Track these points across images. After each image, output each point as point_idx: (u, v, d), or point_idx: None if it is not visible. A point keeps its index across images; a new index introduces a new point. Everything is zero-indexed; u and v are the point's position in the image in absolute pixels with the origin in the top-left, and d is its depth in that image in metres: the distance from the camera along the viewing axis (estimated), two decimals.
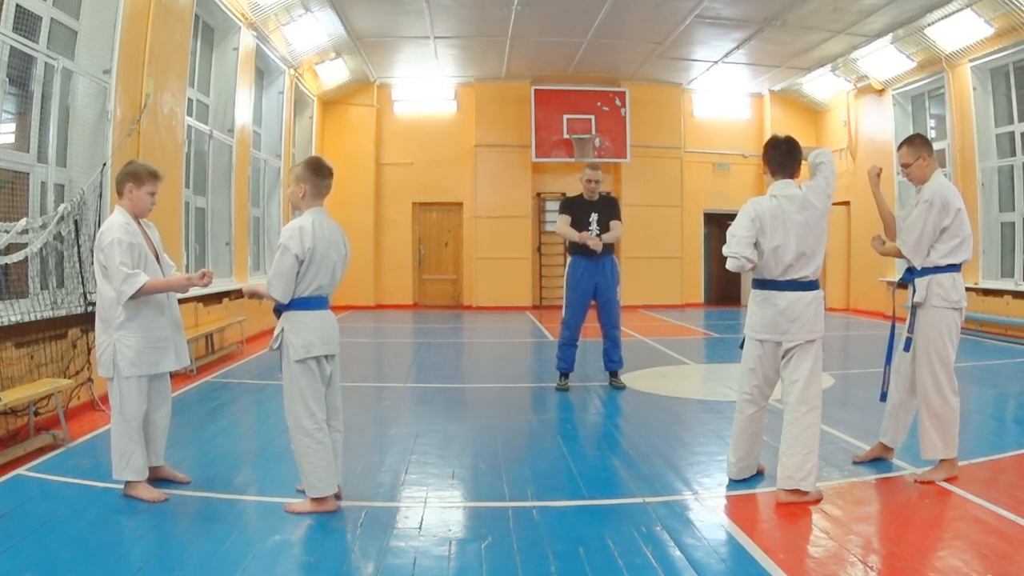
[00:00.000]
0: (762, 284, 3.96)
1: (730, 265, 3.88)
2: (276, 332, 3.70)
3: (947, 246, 4.08)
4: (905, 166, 4.26)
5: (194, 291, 4.22)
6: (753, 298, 4.02)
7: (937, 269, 4.11)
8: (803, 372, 3.84)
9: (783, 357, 3.93)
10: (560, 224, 6.86)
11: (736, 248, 3.84)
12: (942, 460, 4.09)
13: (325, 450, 3.68)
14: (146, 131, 7.03)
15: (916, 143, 4.26)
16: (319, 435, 3.67)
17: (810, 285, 3.89)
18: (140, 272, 3.80)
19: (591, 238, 6.61)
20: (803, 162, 4.07)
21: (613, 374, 7.08)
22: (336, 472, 3.76)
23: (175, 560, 3.11)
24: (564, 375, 6.99)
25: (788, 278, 3.86)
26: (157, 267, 4.01)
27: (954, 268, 4.12)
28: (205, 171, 9.69)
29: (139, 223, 4.01)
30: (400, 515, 3.72)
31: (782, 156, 3.99)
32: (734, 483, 4.13)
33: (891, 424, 4.38)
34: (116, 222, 3.88)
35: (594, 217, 6.72)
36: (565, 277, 6.95)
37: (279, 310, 3.71)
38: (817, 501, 3.77)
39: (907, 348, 4.22)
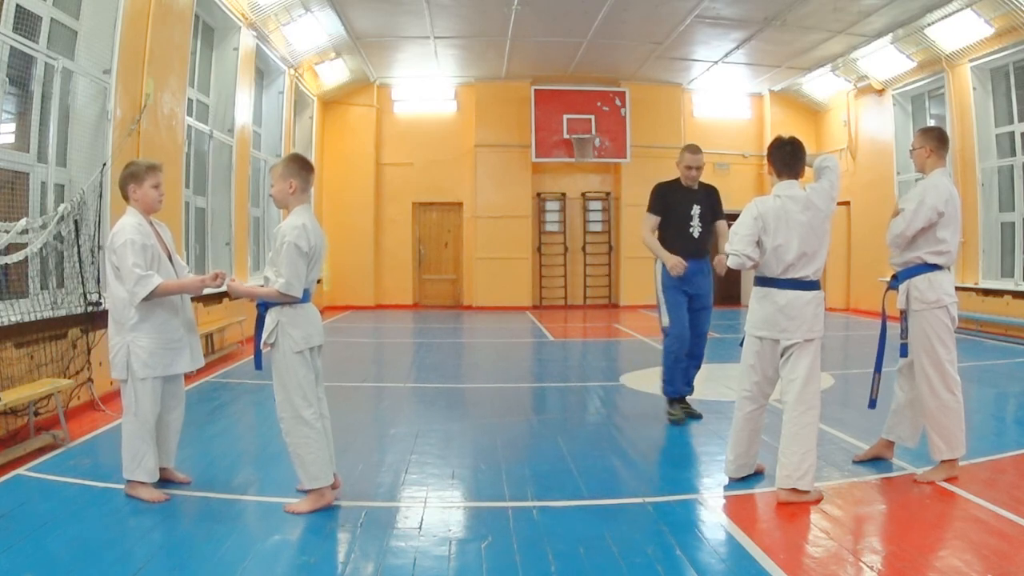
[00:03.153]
0: (763, 281, 3.99)
1: (731, 262, 3.97)
2: (269, 327, 3.66)
3: (924, 248, 4.11)
4: (911, 149, 4.36)
5: None
6: (754, 295, 4.06)
7: (911, 272, 4.14)
8: (801, 371, 3.85)
9: (782, 355, 3.94)
10: (645, 231, 5.63)
11: (738, 246, 3.90)
12: (943, 460, 4.09)
13: (323, 439, 3.71)
14: (146, 131, 7.03)
15: (927, 133, 4.33)
16: (317, 424, 3.69)
17: (810, 285, 3.91)
18: (153, 274, 3.78)
19: (681, 265, 5.32)
20: (807, 167, 4.11)
21: (681, 399, 5.70)
22: (331, 458, 3.78)
23: (175, 560, 3.11)
24: (676, 400, 5.64)
25: (788, 277, 3.89)
26: (170, 267, 3.99)
27: (931, 268, 4.11)
28: (205, 171, 9.69)
29: (152, 224, 4.01)
30: (400, 515, 3.72)
31: (788, 156, 4.03)
32: (733, 483, 4.13)
33: (897, 421, 4.36)
34: (128, 223, 3.87)
35: (696, 210, 5.55)
36: (657, 280, 5.62)
37: (267, 306, 3.70)
38: (817, 501, 3.77)
39: (903, 354, 4.25)
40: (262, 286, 3.76)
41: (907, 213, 4.08)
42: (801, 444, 3.77)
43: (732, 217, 4.16)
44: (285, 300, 3.63)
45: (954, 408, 4.05)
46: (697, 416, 5.62)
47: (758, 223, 3.90)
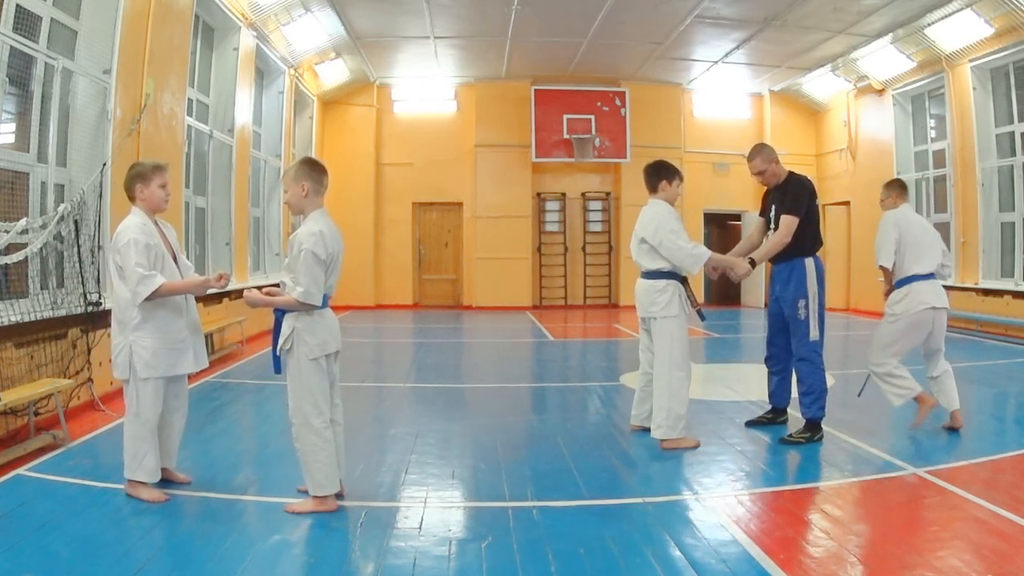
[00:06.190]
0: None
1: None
2: (286, 332, 3.64)
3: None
4: (881, 200, 5.42)
5: None
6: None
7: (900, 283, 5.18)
8: (655, 344, 5.16)
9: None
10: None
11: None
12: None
13: (331, 448, 3.69)
14: (146, 131, 7.03)
15: (891, 186, 5.40)
16: (326, 433, 3.68)
17: (647, 275, 5.19)
18: (156, 273, 3.77)
19: (740, 265, 5.30)
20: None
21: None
22: (340, 466, 3.77)
23: (175, 560, 3.12)
24: (772, 411, 5.49)
25: (640, 269, 5.17)
26: (175, 268, 3.98)
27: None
28: (205, 171, 9.69)
29: (156, 224, 4.00)
30: (400, 515, 3.72)
31: (646, 177, 5.54)
32: (734, 482, 4.13)
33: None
34: (132, 223, 3.86)
35: (773, 210, 5.26)
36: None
37: (284, 311, 3.69)
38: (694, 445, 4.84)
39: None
40: (266, 289, 3.75)
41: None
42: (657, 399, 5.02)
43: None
44: (304, 308, 3.61)
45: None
46: (797, 441, 4.93)
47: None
